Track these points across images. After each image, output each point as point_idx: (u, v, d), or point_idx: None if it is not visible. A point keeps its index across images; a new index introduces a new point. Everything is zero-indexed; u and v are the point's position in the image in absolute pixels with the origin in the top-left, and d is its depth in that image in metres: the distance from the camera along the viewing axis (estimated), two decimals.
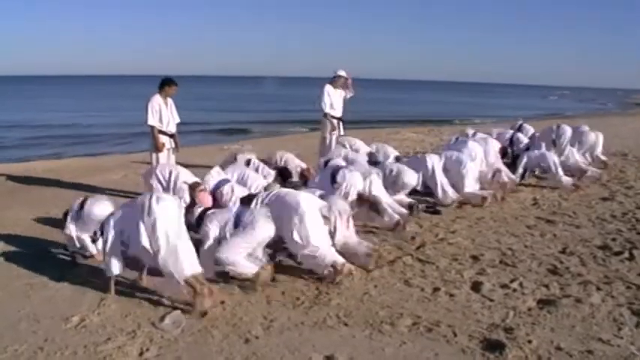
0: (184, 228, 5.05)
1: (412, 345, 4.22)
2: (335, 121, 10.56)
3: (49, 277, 5.58)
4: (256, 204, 5.62)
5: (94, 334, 4.38)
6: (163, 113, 8.58)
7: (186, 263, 4.81)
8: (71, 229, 6.06)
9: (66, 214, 6.19)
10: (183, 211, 5.16)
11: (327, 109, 10.44)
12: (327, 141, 10.55)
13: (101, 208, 6.05)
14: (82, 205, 6.08)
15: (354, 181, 6.87)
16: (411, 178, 7.99)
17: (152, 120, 8.47)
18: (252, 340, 4.27)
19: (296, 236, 5.38)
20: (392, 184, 7.81)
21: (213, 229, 5.30)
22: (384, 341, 4.27)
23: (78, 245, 6.11)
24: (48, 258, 6.19)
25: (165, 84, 8.67)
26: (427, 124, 23.44)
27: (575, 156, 10.89)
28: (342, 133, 10.73)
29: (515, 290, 5.29)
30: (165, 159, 8.57)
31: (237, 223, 5.27)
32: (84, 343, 4.23)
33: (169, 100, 8.74)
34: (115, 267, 5.07)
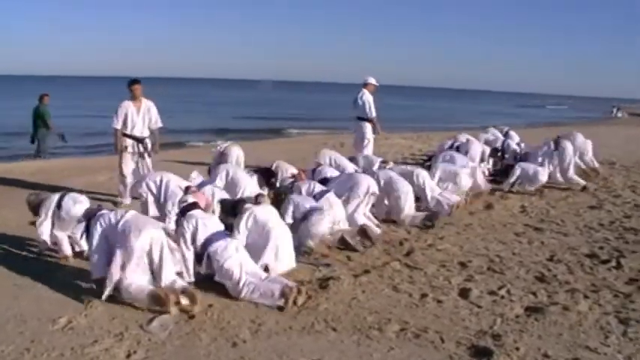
0: (167, 253, 5.08)
1: (400, 351, 4.22)
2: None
3: (36, 278, 5.54)
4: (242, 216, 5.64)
5: (80, 336, 4.35)
6: (130, 117, 8.62)
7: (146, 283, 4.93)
8: (45, 227, 6.04)
9: (36, 208, 6.15)
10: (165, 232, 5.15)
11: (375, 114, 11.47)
12: (368, 142, 11.52)
13: (80, 207, 6.05)
14: (59, 204, 6.06)
15: (319, 230, 6.45)
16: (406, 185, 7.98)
17: (114, 123, 8.63)
18: (240, 344, 4.26)
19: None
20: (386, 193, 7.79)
21: (187, 231, 5.31)
22: (372, 347, 4.27)
23: (49, 244, 6.11)
24: (36, 259, 6.15)
25: (128, 86, 8.75)
26: (416, 129, 23.45)
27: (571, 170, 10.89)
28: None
29: (502, 297, 5.32)
30: (130, 161, 8.76)
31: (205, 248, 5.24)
32: (71, 345, 4.20)
33: (145, 104, 8.74)
34: (100, 270, 5.06)
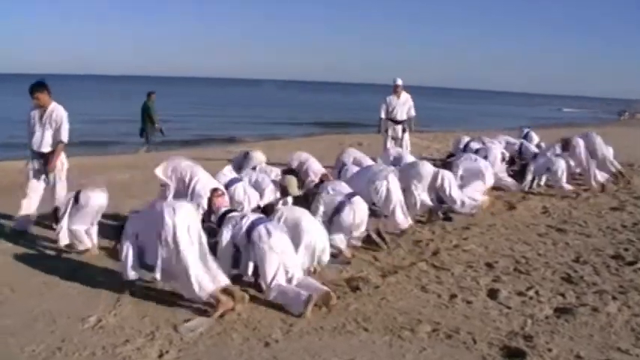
0: (204, 238, 5.05)
1: (432, 351, 4.20)
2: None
3: (62, 276, 5.56)
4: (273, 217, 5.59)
5: (111, 335, 4.36)
6: (32, 128, 6.92)
7: (207, 278, 4.81)
8: (64, 223, 6.13)
9: (56, 210, 6.28)
10: (200, 217, 5.13)
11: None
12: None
13: (98, 197, 6.14)
14: (76, 198, 6.11)
15: (356, 219, 6.44)
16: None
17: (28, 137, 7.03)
18: (272, 344, 4.25)
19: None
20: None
21: (225, 233, 5.27)
22: (404, 347, 4.26)
23: (68, 241, 6.17)
24: (58, 257, 6.18)
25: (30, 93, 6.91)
26: (431, 130, 23.31)
27: (593, 167, 10.80)
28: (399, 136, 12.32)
29: (531, 298, 5.29)
30: (35, 186, 6.97)
31: (249, 234, 5.15)
32: (102, 344, 4.21)
33: (50, 114, 6.82)
34: (132, 272, 5.07)
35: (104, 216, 6.56)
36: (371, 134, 19.82)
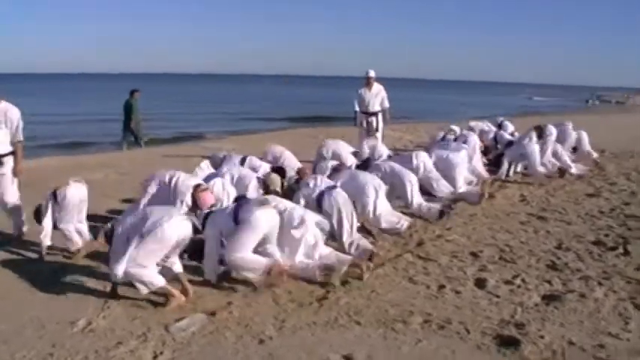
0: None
1: (427, 343, 4.22)
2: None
3: (47, 279, 5.47)
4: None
5: (102, 339, 4.28)
6: None
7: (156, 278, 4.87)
8: (46, 224, 6.02)
9: (37, 211, 6.16)
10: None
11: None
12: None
13: (76, 190, 6.09)
14: (54, 196, 6.00)
15: (341, 207, 6.34)
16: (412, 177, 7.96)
17: None
18: (267, 341, 4.22)
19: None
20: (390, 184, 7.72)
21: (212, 232, 5.26)
22: (399, 339, 4.26)
23: (50, 242, 6.06)
24: (40, 261, 6.03)
25: None
26: (401, 121, 23.37)
27: (563, 153, 11.00)
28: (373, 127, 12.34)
29: (519, 286, 5.34)
30: None
31: (236, 219, 5.20)
32: (94, 348, 4.13)
33: (4, 112, 6.41)
34: (120, 273, 4.99)
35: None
36: (346, 127, 19.90)
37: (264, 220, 5.22)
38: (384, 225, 6.81)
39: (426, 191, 8.34)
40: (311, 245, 5.48)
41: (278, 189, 7.24)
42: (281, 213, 5.43)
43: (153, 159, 12.78)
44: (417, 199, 7.71)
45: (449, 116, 30.88)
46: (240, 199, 5.72)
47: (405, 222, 6.90)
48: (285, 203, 5.69)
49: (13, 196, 6.62)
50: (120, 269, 4.84)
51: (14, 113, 6.49)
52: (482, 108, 41.53)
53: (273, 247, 5.33)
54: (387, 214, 6.91)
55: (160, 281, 4.82)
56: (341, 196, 6.34)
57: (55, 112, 29.87)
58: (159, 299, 4.94)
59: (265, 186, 7.19)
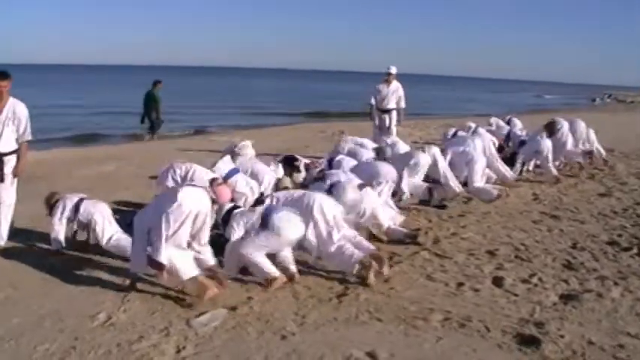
0: (208, 224, 5.05)
1: (448, 340, 4.23)
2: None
3: (62, 273, 5.47)
4: (277, 203, 5.60)
5: (124, 332, 4.30)
6: None
7: (189, 266, 4.85)
8: (60, 229, 5.99)
9: (52, 208, 6.08)
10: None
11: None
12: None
13: (99, 213, 5.98)
14: (77, 208, 5.99)
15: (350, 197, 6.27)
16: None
17: None
18: (289, 337, 4.23)
19: (312, 237, 5.43)
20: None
21: (238, 230, 5.26)
22: (420, 337, 4.28)
23: (64, 245, 6.02)
24: (57, 254, 6.01)
25: None
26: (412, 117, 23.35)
27: (573, 146, 11.01)
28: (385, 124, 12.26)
29: (536, 285, 5.35)
30: None
31: (265, 224, 5.20)
32: (116, 341, 4.15)
33: (11, 109, 6.03)
34: (139, 265, 5.01)
35: None
36: (352, 122, 19.91)
37: (291, 232, 5.23)
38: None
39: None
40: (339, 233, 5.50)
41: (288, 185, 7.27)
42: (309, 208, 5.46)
43: (163, 152, 12.80)
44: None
45: (456, 112, 30.84)
46: (270, 207, 5.62)
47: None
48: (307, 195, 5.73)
49: (10, 197, 6.27)
50: (140, 265, 4.87)
51: (22, 110, 6.12)
52: (489, 105, 41.55)
53: (288, 252, 5.35)
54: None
55: (192, 271, 4.81)
56: (349, 186, 6.35)
57: (58, 104, 29.87)
58: (177, 293, 4.97)
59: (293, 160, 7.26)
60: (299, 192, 5.88)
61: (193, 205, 4.80)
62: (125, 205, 7.79)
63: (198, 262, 4.99)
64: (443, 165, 8.46)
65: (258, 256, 5.11)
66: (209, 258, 5.12)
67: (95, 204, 6.09)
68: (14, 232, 6.51)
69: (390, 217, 6.79)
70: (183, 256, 4.86)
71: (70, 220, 6.03)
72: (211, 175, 6.30)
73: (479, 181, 8.70)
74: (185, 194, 4.80)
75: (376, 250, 5.59)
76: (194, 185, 5.17)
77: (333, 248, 5.35)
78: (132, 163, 11.57)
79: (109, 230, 5.92)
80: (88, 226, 5.99)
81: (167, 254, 4.73)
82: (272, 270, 5.11)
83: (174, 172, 6.44)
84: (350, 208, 6.08)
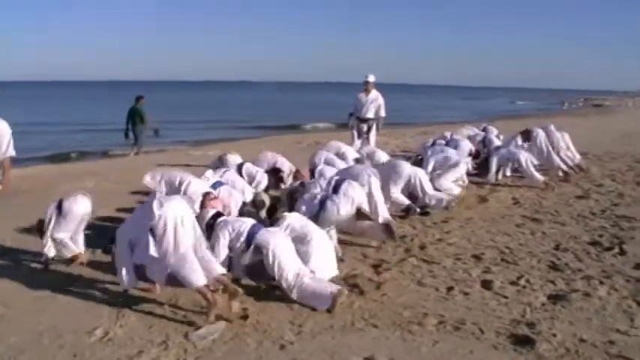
0: (198, 228, 5.02)
1: (445, 344, 4.31)
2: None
3: (54, 289, 5.42)
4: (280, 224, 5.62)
5: (123, 347, 4.29)
6: None
7: (199, 272, 4.75)
8: (50, 234, 5.95)
9: (41, 223, 6.08)
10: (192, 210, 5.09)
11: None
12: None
13: (81, 204, 6.02)
14: (59, 207, 5.98)
15: (356, 195, 6.58)
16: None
17: None
18: (288, 346, 4.27)
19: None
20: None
21: (223, 238, 5.25)
22: (417, 341, 4.35)
23: (55, 253, 6.01)
24: (48, 270, 5.99)
25: None
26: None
27: (553, 156, 11.21)
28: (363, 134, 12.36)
29: (524, 287, 5.47)
30: None
31: (249, 241, 5.15)
32: (116, 357, 4.15)
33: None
34: (130, 280, 5.00)
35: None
36: (327, 133, 20.02)
37: (277, 251, 5.15)
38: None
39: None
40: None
41: (267, 202, 7.24)
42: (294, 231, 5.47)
43: (139, 167, 12.73)
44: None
45: (430, 120, 31.12)
46: (255, 225, 5.58)
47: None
48: (294, 222, 5.68)
49: None
50: (130, 279, 4.89)
51: (4, 128, 6.09)
52: (462, 111, 42.05)
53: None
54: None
55: (200, 280, 4.74)
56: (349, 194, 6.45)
57: (35, 122, 29.49)
58: (171, 307, 4.98)
59: (255, 205, 7.14)
60: (302, 224, 5.73)
61: (172, 213, 4.75)
62: (106, 220, 7.73)
63: (207, 270, 4.87)
64: (423, 185, 8.46)
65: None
66: (217, 268, 4.98)
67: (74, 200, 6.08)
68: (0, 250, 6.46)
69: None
70: (190, 263, 4.77)
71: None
72: (205, 189, 6.32)
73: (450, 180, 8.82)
74: (160, 204, 4.78)
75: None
76: (167, 195, 5.11)
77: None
78: (108, 179, 11.48)
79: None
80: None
81: (162, 266, 4.72)
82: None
83: (168, 180, 6.44)
84: (341, 223, 6.22)
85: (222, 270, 4.98)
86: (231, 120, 34.40)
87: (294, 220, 5.66)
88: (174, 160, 13.87)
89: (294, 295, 5.00)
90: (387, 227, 6.74)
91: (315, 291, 4.97)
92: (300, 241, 5.38)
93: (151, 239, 4.72)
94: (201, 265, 4.80)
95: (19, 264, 6.20)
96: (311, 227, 5.60)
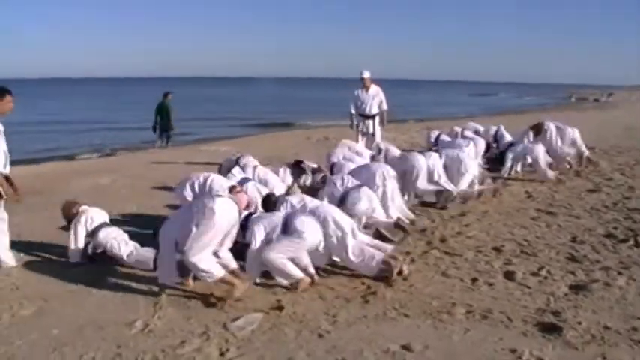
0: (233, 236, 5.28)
1: (476, 332, 4.47)
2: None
3: (88, 283, 5.58)
4: (294, 208, 5.81)
5: (164, 338, 4.44)
6: None
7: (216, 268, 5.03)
8: (80, 242, 6.13)
9: (69, 221, 6.23)
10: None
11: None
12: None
13: (113, 238, 6.12)
14: (94, 232, 6.15)
15: (362, 208, 6.68)
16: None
17: None
18: (326, 335, 4.43)
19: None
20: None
21: (259, 233, 5.42)
22: (448, 329, 4.52)
23: (80, 259, 6.16)
24: (74, 265, 6.14)
25: None
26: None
27: (565, 149, 11.37)
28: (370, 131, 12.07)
29: (546, 277, 5.63)
30: None
31: (285, 229, 5.40)
32: (160, 347, 4.29)
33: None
34: (172, 277, 5.19)
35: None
36: (335, 128, 20.15)
37: (313, 236, 5.43)
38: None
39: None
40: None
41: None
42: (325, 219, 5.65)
43: (155, 164, 12.91)
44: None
45: (431, 116, 31.23)
46: (291, 212, 5.80)
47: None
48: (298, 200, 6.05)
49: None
50: (171, 275, 5.07)
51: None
52: (468, 107, 42.15)
53: (306, 258, 5.49)
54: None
55: (219, 272, 4.99)
56: (364, 194, 6.62)
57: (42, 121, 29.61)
58: (205, 299, 5.14)
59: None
60: (313, 203, 6.05)
61: (225, 216, 4.98)
62: (129, 217, 7.91)
63: (222, 265, 5.15)
64: (440, 170, 8.66)
65: (282, 260, 5.29)
66: (230, 260, 5.30)
67: (110, 231, 6.21)
68: (28, 246, 6.64)
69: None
70: (209, 260, 5.02)
71: (87, 236, 6.15)
72: (230, 183, 6.49)
73: (464, 185, 8.96)
74: (217, 205, 4.96)
75: (394, 250, 5.82)
76: (220, 195, 5.33)
77: (351, 255, 5.56)
78: (126, 175, 11.64)
79: (125, 249, 6.04)
80: (104, 247, 6.13)
81: (208, 264, 4.95)
82: (297, 272, 5.30)
83: (193, 183, 6.62)
84: (362, 215, 6.38)
85: (234, 264, 5.31)
86: (234, 118, 34.44)
87: (297, 198, 6.09)
88: (186, 158, 14.00)
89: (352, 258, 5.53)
90: (397, 224, 6.91)
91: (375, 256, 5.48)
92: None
93: (199, 234, 4.96)
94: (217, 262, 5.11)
95: (50, 259, 6.36)
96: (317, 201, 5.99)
